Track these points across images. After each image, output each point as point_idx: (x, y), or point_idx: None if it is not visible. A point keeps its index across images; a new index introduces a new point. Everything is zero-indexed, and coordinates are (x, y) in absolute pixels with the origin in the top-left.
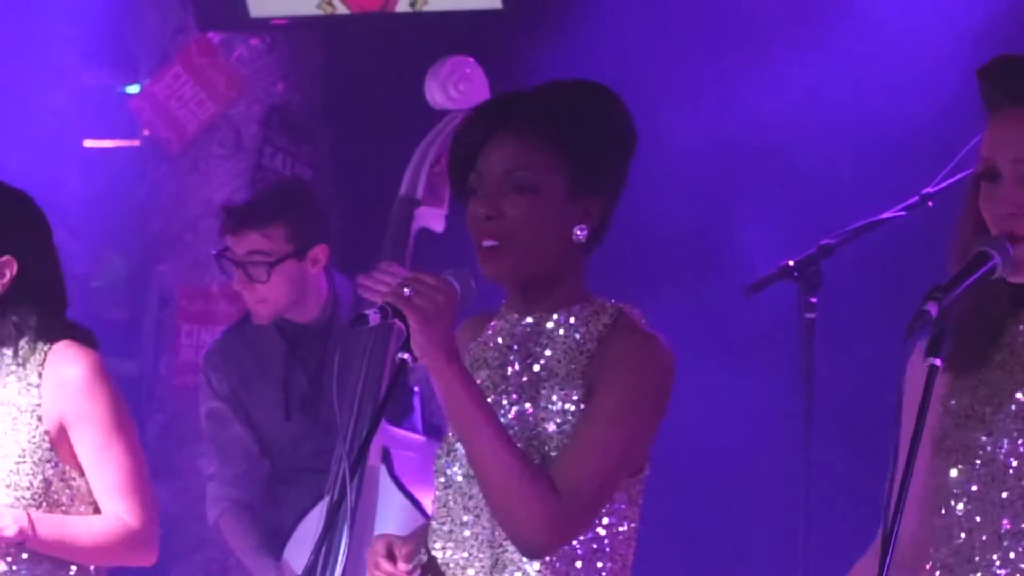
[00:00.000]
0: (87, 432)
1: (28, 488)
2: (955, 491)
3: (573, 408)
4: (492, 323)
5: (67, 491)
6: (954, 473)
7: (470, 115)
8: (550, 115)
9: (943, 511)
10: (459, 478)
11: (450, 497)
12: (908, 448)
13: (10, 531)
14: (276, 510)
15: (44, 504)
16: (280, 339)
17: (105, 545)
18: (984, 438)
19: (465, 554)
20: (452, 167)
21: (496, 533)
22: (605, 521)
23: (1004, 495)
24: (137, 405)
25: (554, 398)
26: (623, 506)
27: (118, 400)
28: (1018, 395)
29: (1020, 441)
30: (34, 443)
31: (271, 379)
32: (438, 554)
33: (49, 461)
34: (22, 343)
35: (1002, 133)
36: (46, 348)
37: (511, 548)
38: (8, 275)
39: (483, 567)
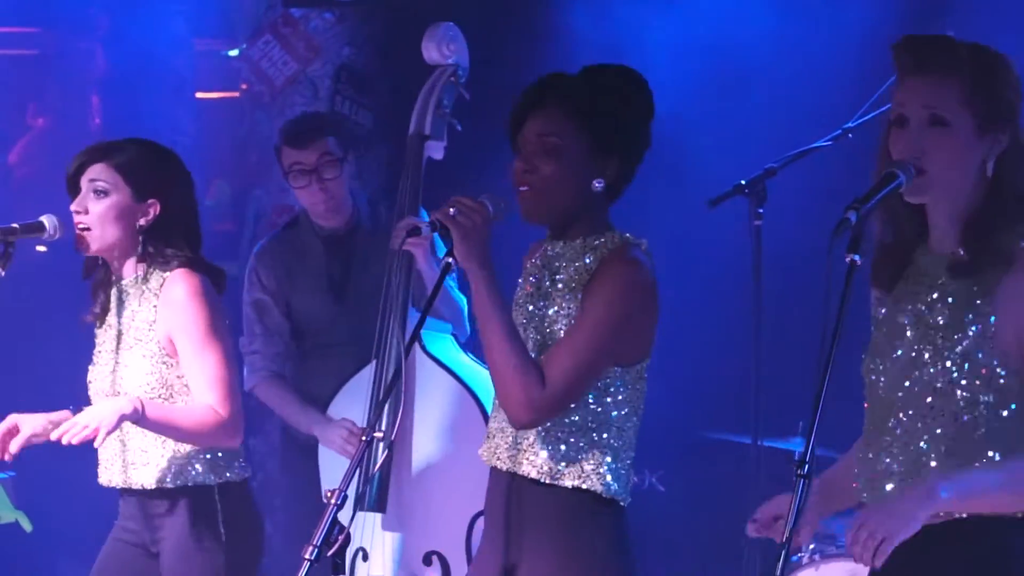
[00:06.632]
0: (184, 340)
1: (158, 386)
2: (881, 391)
3: (574, 315)
4: (541, 248)
5: (186, 389)
6: (876, 375)
7: (521, 93)
8: (576, 94)
9: (867, 404)
10: None
11: None
12: (833, 332)
13: (120, 413)
14: (313, 380)
15: (171, 399)
16: (318, 241)
17: (199, 428)
18: (900, 343)
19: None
20: (509, 133)
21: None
22: (607, 400)
23: (923, 394)
24: (238, 296)
25: (564, 305)
26: (621, 390)
27: (214, 315)
28: (923, 308)
29: (931, 347)
30: (155, 352)
31: (312, 273)
32: (494, 423)
33: (167, 364)
34: (149, 267)
35: (911, 92)
36: (165, 274)
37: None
38: (152, 214)
39: (520, 436)
